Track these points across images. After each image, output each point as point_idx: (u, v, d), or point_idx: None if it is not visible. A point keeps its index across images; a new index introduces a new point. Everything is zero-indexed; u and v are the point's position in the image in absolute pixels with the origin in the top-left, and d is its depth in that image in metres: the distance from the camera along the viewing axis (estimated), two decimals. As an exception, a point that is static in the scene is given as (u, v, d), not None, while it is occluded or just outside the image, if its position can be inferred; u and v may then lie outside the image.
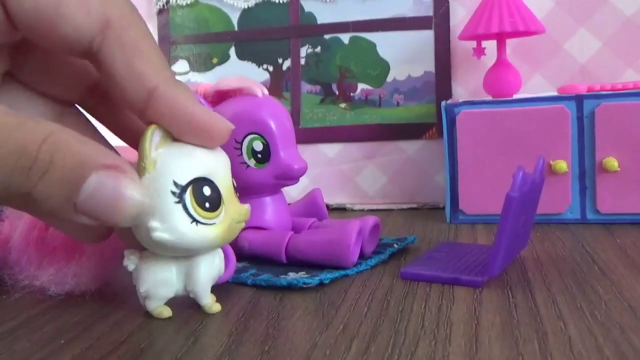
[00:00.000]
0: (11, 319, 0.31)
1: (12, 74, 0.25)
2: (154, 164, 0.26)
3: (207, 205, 0.27)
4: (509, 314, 0.28)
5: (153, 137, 0.26)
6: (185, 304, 0.32)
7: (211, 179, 0.27)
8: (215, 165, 0.28)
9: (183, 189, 0.26)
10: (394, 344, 0.25)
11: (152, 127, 0.26)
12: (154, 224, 0.26)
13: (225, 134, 0.27)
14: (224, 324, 0.29)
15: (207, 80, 0.67)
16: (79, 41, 0.23)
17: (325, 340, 0.26)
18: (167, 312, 0.30)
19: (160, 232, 0.26)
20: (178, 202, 0.26)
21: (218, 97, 0.40)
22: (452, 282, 0.33)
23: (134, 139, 0.29)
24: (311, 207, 0.44)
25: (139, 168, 0.26)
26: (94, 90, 0.28)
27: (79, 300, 0.34)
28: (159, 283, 0.29)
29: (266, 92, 0.40)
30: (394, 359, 0.24)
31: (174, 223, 0.26)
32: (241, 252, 0.39)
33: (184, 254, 0.28)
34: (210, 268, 0.30)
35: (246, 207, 0.29)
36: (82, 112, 0.29)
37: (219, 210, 0.28)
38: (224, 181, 0.28)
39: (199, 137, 0.27)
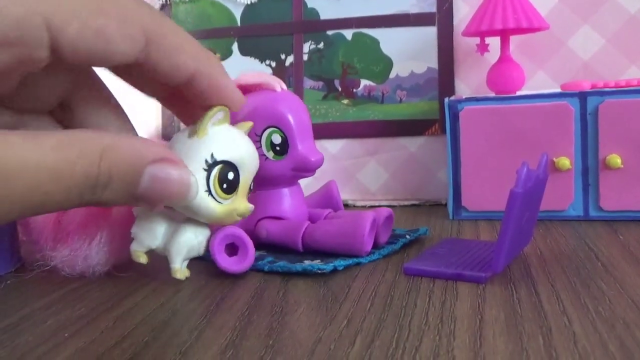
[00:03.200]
0: (14, 313, 0.31)
1: None
2: (205, 133, 0.30)
3: (224, 186, 0.31)
4: (512, 310, 0.28)
5: (215, 114, 0.30)
6: (189, 299, 0.32)
7: (239, 169, 0.32)
8: (247, 161, 0.32)
9: (215, 163, 0.31)
10: (398, 339, 0.25)
11: (219, 107, 0.30)
12: None
13: (238, 106, 0.31)
14: (227, 319, 0.29)
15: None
16: (126, 62, 0.26)
17: (329, 334, 0.26)
18: (142, 259, 0.34)
19: None
20: (205, 171, 0.30)
21: None
22: (455, 278, 0.33)
23: None
24: (326, 198, 0.45)
25: (192, 131, 0.31)
26: (63, 106, 0.29)
27: (82, 294, 0.34)
28: (147, 230, 0.33)
29: (285, 87, 0.41)
30: (398, 354, 0.24)
31: None
32: (259, 240, 0.40)
33: (185, 212, 0.32)
34: (191, 239, 0.33)
35: (250, 206, 0.33)
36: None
37: (230, 196, 0.32)
38: (246, 178, 0.32)
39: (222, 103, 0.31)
